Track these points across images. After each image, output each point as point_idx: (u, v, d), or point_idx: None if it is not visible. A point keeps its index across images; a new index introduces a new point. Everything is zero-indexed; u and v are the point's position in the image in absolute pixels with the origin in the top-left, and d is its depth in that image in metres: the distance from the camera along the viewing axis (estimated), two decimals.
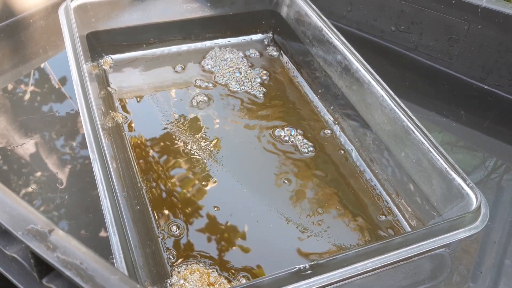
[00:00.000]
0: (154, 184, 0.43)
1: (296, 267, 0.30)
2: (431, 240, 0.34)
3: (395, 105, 0.43)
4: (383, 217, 0.42)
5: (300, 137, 0.48)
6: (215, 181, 0.44)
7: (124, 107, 0.49)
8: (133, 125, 0.47)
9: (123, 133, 0.46)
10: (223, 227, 0.40)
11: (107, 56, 0.53)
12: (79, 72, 0.41)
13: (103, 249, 0.37)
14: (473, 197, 0.36)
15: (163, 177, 0.43)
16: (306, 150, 0.47)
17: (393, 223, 0.42)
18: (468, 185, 0.37)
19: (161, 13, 0.54)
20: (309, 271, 0.30)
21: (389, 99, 0.44)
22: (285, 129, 0.49)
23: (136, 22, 0.54)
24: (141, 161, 0.44)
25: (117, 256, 0.30)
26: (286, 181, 0.44)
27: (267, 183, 0.44)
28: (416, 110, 0.53)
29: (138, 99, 0.50)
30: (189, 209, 0.41)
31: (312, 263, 0.31)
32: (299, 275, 0.30)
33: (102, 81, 0.51)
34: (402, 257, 0.33)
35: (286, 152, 0.47)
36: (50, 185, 0.43)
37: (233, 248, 0.39)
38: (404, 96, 0.53)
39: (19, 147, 0.46)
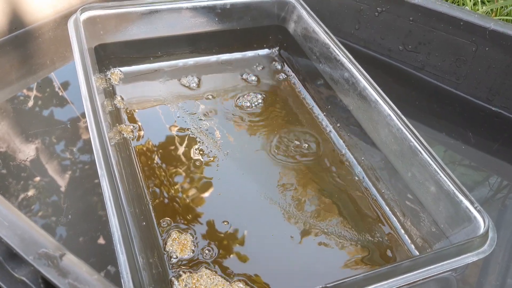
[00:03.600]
0: (160, 198, 0.43)
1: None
2: (439, 264, 0.33)
3: (402, 125, 0.43)
4: (389, 238, 0.42)
5: (305, 151, 0.48)
6: (221, 194, 0.43)
7: (131, 120, 0.49)
8: (140, 138, 0.47)
9: (130, 147, 0.46)
10: (229, 241, 0.40)
11: (115, 68, 0.53)
12: (88, 87, 0.41)
13: (102, 255, 0.38)
14: (481, 221, 0.36)
15: (169, 191, 0.43)
16: (310, 165, 0.47)
17: (399, 243, 0.42)
18: (475, 208, 0.37)
19: (169, 26, 0.54)
20: None
21: (396, 118, 0.44)
22: (291, 144, 0.49)
23: (144, 35, 0.54)
24: (147, 175, 0.44)
25: (124, 276, 0.30)
26: (291, 195, 0.44)
27: (282, 202, 0.44)
28: (423, 129, 0.53)
29: (145, 112, 0.50)
30: (196, 223, 0.41)
31: (320, 287, 0.30)
32: None
33: (110, 94, 0.51)
34: (410, 281, 0.33)
35: (290, 169, 0.47)
36: (49, 190, 0.43)
37: (245, 265, 0.39)
38: (410, 115, 0.53)
39: (23, 155, 0.46)
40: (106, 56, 0.53)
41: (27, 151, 0.47)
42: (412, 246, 0.41)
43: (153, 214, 0.41)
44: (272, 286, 0.38)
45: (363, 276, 0.31)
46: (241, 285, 0.37)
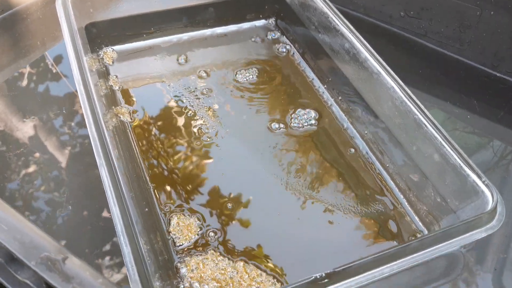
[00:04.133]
0: (162, 182, 0.42)
1: (312, 276, 0.30)
2: (448, 242, 0.33)
3: (406, 97, 0.42)
4: (394, 212, 0.41)
5: (307, 125, 0.47)
6: (224, 174, 0.43)
7: (127, 101, 0.47)
8: (137, 120, 0.46)
9: (128, 130, 0.45)
10: (234, 222, 0.40)
11: (107, 47, 0.52)
12: (80, 71, 0.40)
13: (106, 230, 0.38)
14: (489, 195, 0.36)
15: (171, 173, 0.42)
16: (313, 140, 0.46)
17: (404, 218, 0.41)
18: (483, 182, 0.36)
19: (160, 1, 0.52)
20: (326, 280, 0.30)
21: (400, 90, 0.43)
22: (292, 119, 0.48)
23: (135, 11, 0.52)
24: (147, 157, 0.43)
25: (129, 268, 0.30)
26: (294, 171, 0.44)
27: (286, 178, 0.43)
28: (426, 98, 0.52)
29: (142, 92, 0.49)
30: (199, 206, 0.40)
31: (329, 271, 0.30)
32: (316, 285, 0.30)
33: (104, 74, 0.49)
34: (419, 261, 0.32)
35: (292, 144, 0.46)
36: (50, 166, 0.44)
37: (253, 246, 0.38)
38: (413, 83, 0.52)
39: (19, 129, 0.46)
40: (97, 35, 0.51)
41: (25, 129, 0.46)
42: (418, 220, 0.41)
43: (155, 199, 0.40)
44: (283, 265, 0.37)
45: (371, 259, 0.31)
46: (251, 267, 0.37)
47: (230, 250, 0.38)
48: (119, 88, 0.48)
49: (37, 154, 0.45)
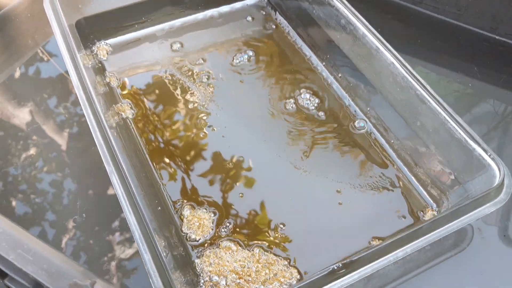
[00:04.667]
0: (171, 178, 0.42)
1: (330, 268, 0.31)
2: (460, 219, 0.34)
3: (407, 73, 0.42)
4: (402, 188, 0.42)
5: (308, 104, 0.47)
6: (232, 163, 0.43)
7: (127, 96, 0.47)
8: (139, 115, 0.46)
9: (131, 127, 0.45)
10: (247, 212, 0.40)
11: (100, 42, 0.51)
12: (78, 77, 0.40)
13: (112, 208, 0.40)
14: (496, 169, 0.36)
15: (179, 168, 0.43)
16: (315, 119, 0.47)
17: (413, 193, 0.42)
18: (489, 156, 0.37)
19: None
20: (343, 270, 0.31)
21: (400, 66, 0.42)
22: (293, 99, 0.48)
23: (125, 2, 0.50)
24: (153, 154, 0.44)
25: (152, 275, 0.30)
26: (301, 151, 0.44)
27: (294, 161, 0.44)
28: (426, 66, 0.51)
29: (141, 85, 0.48)
30: (211, 199, 0.41)
31: (345, 261, 0.31)
32: (334, 275, 0.31)
33: (100, 71, 0.49)
34: (432, 241, 0.33)
35: (296, 124, 0.46)
36: (50, 147, 0.45)
37: (267, 233, 0.39)
38: (411, 52, 0.52)
39: (17, 120, 0.47)
40: (89, 30, 0.50)
41: (21, 115, 0.47)
42: (426, 194, 0.42)
43: (166, 196, 0.41)
44: (299, 250, 0.38)
45: (385, 245, 0.32)
46: (268, 255, 0.38)
47: (245, 239, 0.39)
48: (117, 83, 0.48)
49: (35, 137, 0.46)
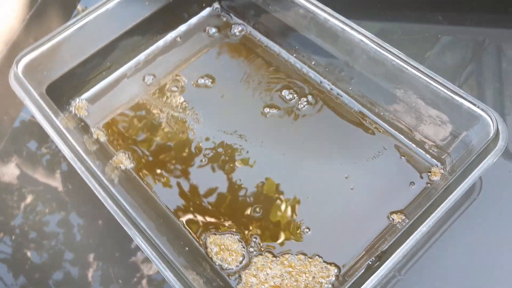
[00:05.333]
0: (187, 213, 0.43)
1: (366, 264, 0.32)
2: (469, 178, 0.35)
3: (378, 46, 0.43)
4: (404, 156, 0.43)
5: (291, 98, 0.48)
6: (241, 180, 0.44)
7: (120, 147, 0.47)
8: (138, 161, 0.46)
9: (133, 176, 0.46)
10: (268, 224, 0.41)
11: (75, 101, 0.51)
12: (70, 148, 0.40)
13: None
14: (487, 117, 0.38)
15: (193, 201, 0.44)
16: (302, 111, 0.47)
17: (415, 158, 0.43)
18: (478, 107, 0.38)
19: (102, 35, 0.51)
20: (378, 263, 0.32)
21: (370, 41, 0.43)
22: (275, 97, 0.48)
23: (85, 54, 0.50)
24: (163, 195, 0.44)
25: None
26: (299, 146, 0.45)
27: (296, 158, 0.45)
28: (392, 29, 0.52)
29: (128, 130, 0.49)
30: (230, 222, 0.42)
31: (378, 252, 0.32)
32: (372, 269, 0.32)
33: (85, 128, 0.49)
34: (450, 207, 0.34)
35: (285, 121, 0.47)
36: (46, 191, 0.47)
37: (297, 246, 0.40)
38: (374, 17, 0.52)
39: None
40: (61, 93, 0.50)
41: (8, 171, 0.49)
42: (429, 156, 0.43)
43: (189, 234, 0.42)
44: (325, 244, 0.40)
45: (408, 228, 0.33)
46: (303, 257, 0.39)
47: (274, 249, 0.40)
48: (106, 138, 0.48)
49: (27, 186, 0.48)
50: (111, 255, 0.43)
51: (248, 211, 0.42)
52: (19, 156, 0.51)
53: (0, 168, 0.50)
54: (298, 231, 0.41)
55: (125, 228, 0.36)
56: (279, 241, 0.41)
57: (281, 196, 0.43)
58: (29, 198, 0.46)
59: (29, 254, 0.43)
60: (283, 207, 0.42)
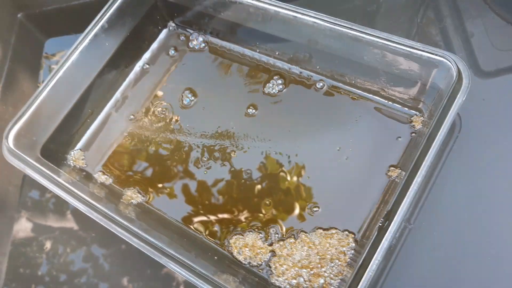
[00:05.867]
0: (208, 227, 0.46)
1: (378, 223, 0.35)
2: (446, 122, 0.38)
3: (331, 24, 0.45)
4: (384, 115, 0.46)
5: (273, 92, 0.51)
6: (247, 180, 0.47)
7: (125, 184, 0.50)
8: (146, 192, 0.49)
9: (146, 206, 0.48)
10: (283, 211, 0.44)
11: (71, 154, 0.53)
12: (78, 199, 0.43)
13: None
14: (447, 61, 0.41)
15: (208, 213, 0.46)
16: (283, 100, 0.50)
17: (396, 113, 0.46)
18: (436, 54, 0.41)
19: (75, 87, 0.53)
20: (386, 222, 0.35)
21: (322, 21, 0.46)
22: (257, 95, 0.51)
23: (65, 110, 0.52)
24: (180, 216, 0.47)
25: None
26: (283, 128, 0.48)
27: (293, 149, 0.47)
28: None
29: (129, 164, 0.51)
30: (246, 219, 0.45)
31: (385, 211, 0.36)
32: (384, 227, 0.35)
33: (88, 177, 0.51)
34: (436, 151, 0.37)
35: (274, 116, 0.50)
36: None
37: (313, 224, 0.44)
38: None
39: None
40: (54, 151, 0.52)
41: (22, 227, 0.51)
42: (407, 109, 0.46)
43: (212, 243, 0.45)
44: (337, 215, 0.43)
45: (405, 181, 0.36)
46: (321, 232, 0.42)
47: (291, 233, 0.43)
48: (110, 180, 0.51)
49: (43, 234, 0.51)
50: (143, 273, 0.46)
51: (259, 204, 0.45)
52: (26, 209, 0.53)
53: (14, 227, 0.52)
54: (309, 211, 0.44)
55: (156, 258, 0.39)
56: (295, 224, 0.44)
57: (284, 186, 0.46)
58: (48, 244, 0.49)
59: None
60: (292, 192, 0.45)
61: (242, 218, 0.45)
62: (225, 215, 0.46)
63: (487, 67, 0.48)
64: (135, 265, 0.47)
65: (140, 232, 0.40)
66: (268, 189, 0.46)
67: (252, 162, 0.48)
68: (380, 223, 0.35)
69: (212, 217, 0.46)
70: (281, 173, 0.46)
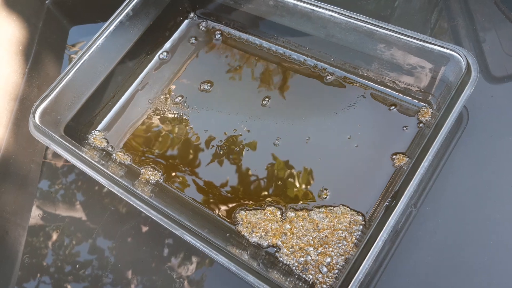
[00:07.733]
0: (221, 206, 0.48)
1: (384, 206, 0.37)
2: (453, 111, 0.40)
3: (347, 17, 0.47)
4: (395, 106, 0.48)
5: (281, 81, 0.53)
6: (256, 169, 0.49)
7: (143, 163, 0.52)
8: (164, 170, 0.51)
9: (164, 185, 0.50)
10: (286, 186, 0.46)
11: (91, 134, 0.55)
12: (102, 174, 0.45)
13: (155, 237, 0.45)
14: (457, 55, 0.42)
15: (222, 192, 0.49)
16: (295, 91, 0.52)
17: (405, 105, 0.48)
18: (447, 48, 0.43)
19: (98, 71, 0.55)
20: (394, 201, 0.37)
21: (339, 15, 0.48)
22: (269, 85, 0.53)
23: (89, 92, 0.55)
24: (195, 195, 0.49)
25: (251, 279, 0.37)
26: (298, 126, 0.50)
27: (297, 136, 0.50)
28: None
29: (148, 143, 0.53)
30: (255, 197, 0.47)
31: (392, 193, 0.37)
32: (389, 209, 0.37)
33: (108, 156, 0.53)
34: (443, 140, 0.39)
35: (283, 104, 0.52)
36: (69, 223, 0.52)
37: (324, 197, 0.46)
38: None
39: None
40: (77, 130, 0.54)
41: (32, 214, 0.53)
42: (417, 101, 0.48)
43: (225, 221, 0.47)
44: (347, 198, 0.45)
45: (411, 166, 0.38)
46: (331, 211, 0.44)
47: (301, 213, 0.45)
48: (130, 159, 0.53)
49: (50, 224, 0.51)
50: (147, 267, 0.48)
51: (270, 185, 0.47)
52: (35, 198, 0.55)
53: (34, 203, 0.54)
54: (319, 192, 0.46)
55: (172, 230, 0.41)
56: (304, 205, 0.46)
57: (297, 168, 0.48)
58: (54, 236, 0.50)
59: (69, 287, 0.48)
60: (304, 176, 0.47)
61: (254, 198, 0.47)
62: (238, 195, 0.48)
63: (497, 70, 0.49)
64: (140, 258, 0.48)
65: (158, 205, 0.42)
66: (280, 172, 0.48)
67: (265, 149, 0.50)
68: (388, 202, 0.37)
69: (225, 197, 0.48)
70: (294, 158, 0.48)
